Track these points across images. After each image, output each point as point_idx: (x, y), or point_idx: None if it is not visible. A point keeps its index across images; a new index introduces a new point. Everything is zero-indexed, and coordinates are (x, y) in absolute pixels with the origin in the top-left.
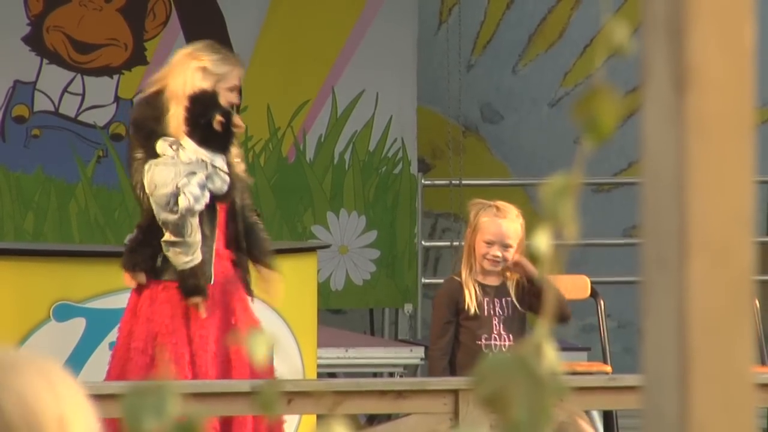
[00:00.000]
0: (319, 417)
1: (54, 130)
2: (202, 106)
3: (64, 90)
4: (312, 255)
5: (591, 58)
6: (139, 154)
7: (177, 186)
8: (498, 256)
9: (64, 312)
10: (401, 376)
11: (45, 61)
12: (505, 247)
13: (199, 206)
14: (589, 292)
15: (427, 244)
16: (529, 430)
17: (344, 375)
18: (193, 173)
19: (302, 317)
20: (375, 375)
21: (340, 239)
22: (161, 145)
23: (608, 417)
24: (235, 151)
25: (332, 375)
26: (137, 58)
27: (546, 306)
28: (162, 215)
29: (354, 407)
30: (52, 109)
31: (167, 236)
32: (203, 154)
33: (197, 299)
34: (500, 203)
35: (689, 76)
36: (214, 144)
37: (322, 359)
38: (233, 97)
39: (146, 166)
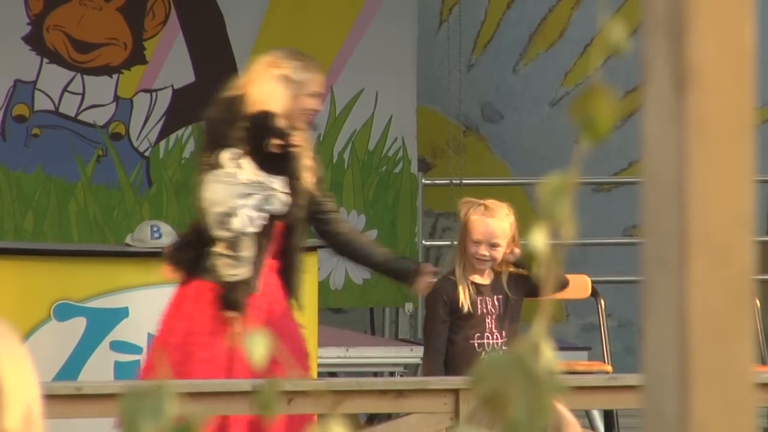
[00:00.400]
0: (319, 416)
1: (54, 130)
2: (258, 129)
3: (64, 89)
4: (312, 254)
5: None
6: (206, 157)
7: (231, 207)
8: (485, 255)
9: (64, 311)
10: (401, 376)
11: (45, 60)
12: (493, 246)
13: (253, 229)
14: (589, 291)
15: (428, 243)
16: (528, 429)
17: (344, 374)
18: (249, 195)
19: (302, 316)
20: (375, 374)
21: None
22: (224, 157)
23: (609, 416)
24: (306, 162)
25: (332, 374)
26: (136, 57)
27: (546, 287)
28: (215, 231)
29: (354, 407)
30: (52, 108)
31: (219, 247)
32: (261, 175)
33: (234, 314)
34: (490, 202)
35: (689, 76)
36: (273, 166)
37: (322, 359)
38: (314, 103)
39: (207, 177)
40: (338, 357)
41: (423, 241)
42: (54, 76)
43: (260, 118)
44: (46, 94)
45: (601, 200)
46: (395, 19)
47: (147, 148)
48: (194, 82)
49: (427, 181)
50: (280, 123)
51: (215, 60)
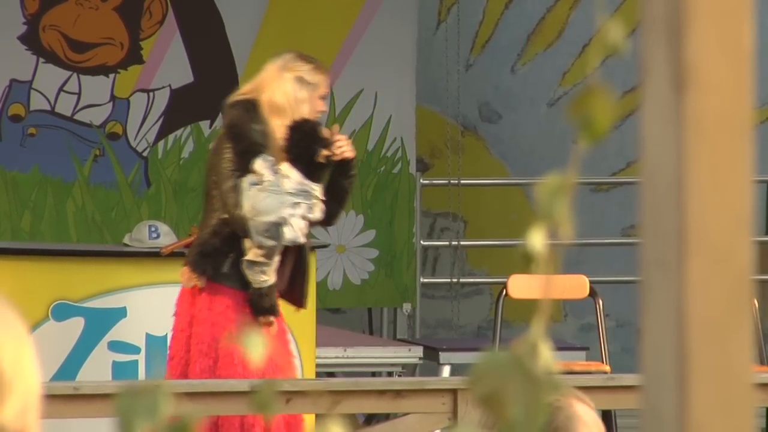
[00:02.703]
0: (317, 416)
1: (50, 129)
2: (305, 137)
3: (60, 89)
4: (310, 254)
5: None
6: (228, 162)
7: (282, 217)
8: None
9: (62, 311)
10: (400, 376)
11: (41, 60)
12: None
13: (303, 239)
14: (587, 291)
15: (426, 243)
16: (526, 429)
17: (343, 374)
18: (297, 204)
19: (300, 316)
20: (373, 374)
21: (337, 238)
22: (260, 165)
23: (607, 417)
24: None
25: (331, 374)
26: (133, 57)
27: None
28: (258, 238)
29: (352, 407)
30: (48, 108)
31: (252, 256)
32: (308, 184)
33: (271, 318)
34: None
35: (688, 76)
36: (315, 174)
37: (320, 359)
38: (323, 106)
39: (244, 185)
40: (336, 357)
41: (421, 241)
42: (50, 76)
43: (308, 127)
44: (42, 94)
45: (599, 200)
46: (395, 19)
47: (145, 148)
48: (193, 82)
49: (425, 181)
50: (325, 132)
51: (214, 60)
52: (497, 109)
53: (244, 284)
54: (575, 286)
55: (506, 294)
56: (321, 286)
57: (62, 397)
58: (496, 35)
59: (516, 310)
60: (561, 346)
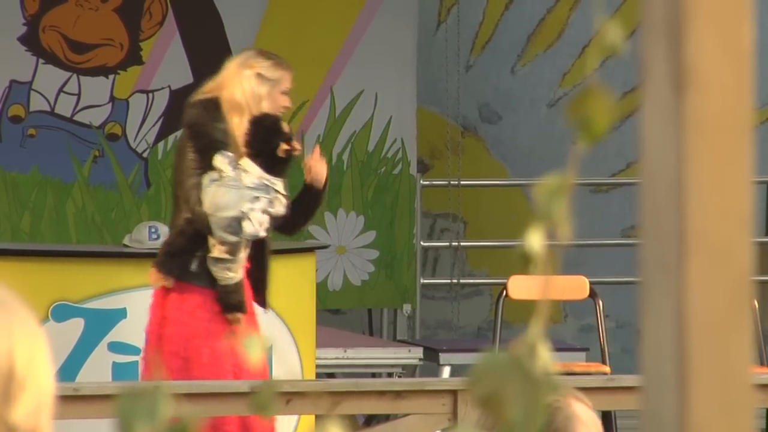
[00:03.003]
0: (317, 417)
1: (50, 130)
2: (265, 132)
3: (60, 90)
4: (310, 255)
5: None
6: (190, 161)
7: (242, 211)
8: None
9: (62, 312)
10: (400, 377)
11: (41, 60)
12: None
13: (264, 233)
14: (587, 292)
15: (426, 244)
16: (525, 430)
17: (343, 375)
18: (257, 198)
19: (301, 317)
20: (373, 375)
21: (337, 239)
22: (220, 161)
23: (607, 417)
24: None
25: (331, 375)
26: (133, 58)
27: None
28: (221, 234)
29: (352, 408)
30: (47, 108)
31: (217, 252)
32: (268, 178)
33: (239, 315)
34: None
35: (688, 76)
36: (277, 169)
37: (320, 359)
38: (286, 101)
39: (204, 182)
40: (336, 358)
41: (421, 242)
42: (50, 77)
43: (268, 122)
44: (42, 95)
45: (599, 201)
46: (395, 20)
47: (145, 149)
48: (192, 82)
49: (425, 182)
50: (285, 127)
51: (214, 61)
52: (497, 110)
53: (213, 282)
54: (575, 287)
55: (506, 295)
56: (321, 287)
57: (62, 398)
58: (496, 36)
59: (516, 311)
60: (561, 347)
